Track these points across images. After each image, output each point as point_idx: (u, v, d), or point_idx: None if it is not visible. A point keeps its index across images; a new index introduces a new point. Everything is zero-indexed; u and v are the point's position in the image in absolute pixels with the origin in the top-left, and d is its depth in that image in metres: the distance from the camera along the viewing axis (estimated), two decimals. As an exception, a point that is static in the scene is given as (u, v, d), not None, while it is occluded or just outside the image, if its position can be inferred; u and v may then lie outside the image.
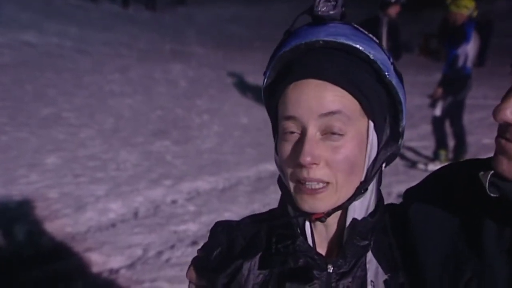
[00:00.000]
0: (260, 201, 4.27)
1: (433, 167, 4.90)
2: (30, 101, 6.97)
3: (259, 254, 0.79)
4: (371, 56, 0.70)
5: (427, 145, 5.93)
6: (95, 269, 3.18)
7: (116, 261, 3.27)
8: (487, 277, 0.66)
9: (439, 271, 0.70)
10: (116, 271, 3.17)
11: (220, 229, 0.85)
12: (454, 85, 5.27)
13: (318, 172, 0.69)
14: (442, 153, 5.48)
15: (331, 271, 0.74)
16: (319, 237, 0.77)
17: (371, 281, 0.74)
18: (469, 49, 5.21)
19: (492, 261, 0.66)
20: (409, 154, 5.73)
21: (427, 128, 6.05)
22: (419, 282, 0.72)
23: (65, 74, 8.57)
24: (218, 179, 4.83)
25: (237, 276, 0.78)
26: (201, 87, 8.87)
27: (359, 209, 0.74)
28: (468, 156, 5.24)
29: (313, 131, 0.69)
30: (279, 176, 0.80)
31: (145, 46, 11.92)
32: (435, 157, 5.52)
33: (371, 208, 0.76)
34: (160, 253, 3.41)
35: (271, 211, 0.87)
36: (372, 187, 0.75)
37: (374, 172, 0.74)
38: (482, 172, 0.65)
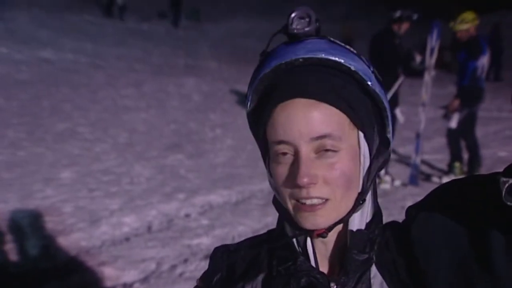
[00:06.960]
0: (273, 214, 4.22)
1: (448, 180, 4.86)
2: (47, 116, 7.09)
3: (261, 276, 0.78)
4: (352, 68, 0.70)
5: (441, 158, 5.87)
6: (109, 283, 3.19)
7: (130, 275, 3.28)
8: None
9: None
10: (130, 285, 3.18)
11: (219, 254, 0.84)
12: (470, 97, 5.26)
13: (317, 190, 0.69)
14: (457, 165, 5.43)
15: None
16: (320, 255, 0.76)
17: None
18: (485, 61, 5.22)
19: (502, 275, 0.66)
20: (423, 167, 5.68)
21: (440, 141, 6.00)
22: None
23: (81, 90, 8.70)
24: (231, 192, 4.84)
25: None
26: (215, 101, 8.94)
27: (358, 221, 0.74)
28: (483, 169, 5.19)
29: (306, 151, 0.69)
30: (274, 197, 0.79)
31: (158, 60, 12.06)
32: (449, 170, 5.47)
33: (368, 219, 0.75)
34: (173, 267, 3.41)
35: (269, 232, 0.86)
36: (368, 197, 0.75)
37: (370, 182, 0.74)
38: (503, 179, 0.64)
